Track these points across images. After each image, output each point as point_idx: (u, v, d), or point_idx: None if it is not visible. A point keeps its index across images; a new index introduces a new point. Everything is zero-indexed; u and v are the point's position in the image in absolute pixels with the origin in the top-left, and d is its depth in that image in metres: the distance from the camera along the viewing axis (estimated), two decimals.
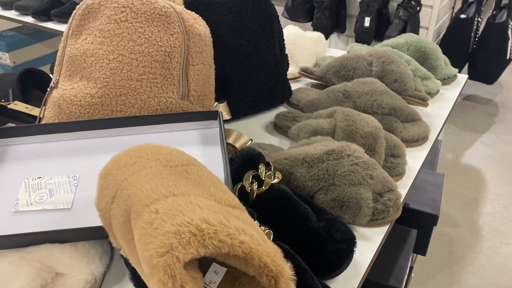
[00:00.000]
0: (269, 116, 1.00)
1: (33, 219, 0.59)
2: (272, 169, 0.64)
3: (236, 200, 0.51)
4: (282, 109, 1.03)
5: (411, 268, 1.27)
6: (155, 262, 0.41)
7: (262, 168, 0.63)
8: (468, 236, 1.89)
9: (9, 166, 0.66)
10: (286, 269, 0.44)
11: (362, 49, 1.22)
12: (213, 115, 0.72)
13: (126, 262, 0.57)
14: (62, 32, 2.32)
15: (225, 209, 0.48)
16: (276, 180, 0.62)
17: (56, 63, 0.77)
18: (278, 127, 0.93)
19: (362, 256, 0.63)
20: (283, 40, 1.02)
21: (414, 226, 1.06)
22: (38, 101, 0.96)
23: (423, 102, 0.99)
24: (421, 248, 1.18)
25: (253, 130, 0.94)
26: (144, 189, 0.47)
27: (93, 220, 0.58)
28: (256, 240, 0.44)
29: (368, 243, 0.66)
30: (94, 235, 0.58)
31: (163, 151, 0.55)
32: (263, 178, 0.62)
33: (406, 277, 0.97)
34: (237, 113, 0.95)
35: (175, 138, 0.71)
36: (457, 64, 2.18)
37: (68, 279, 0.56)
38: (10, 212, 0.60)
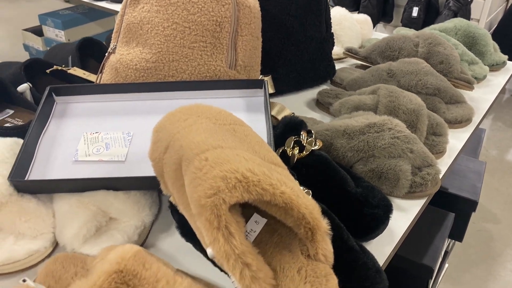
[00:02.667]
0: (312, 93, 1.01)
1: (90, 168, 0.64)
2: (313, 136, 0.66)
3: (278, 159, 0.54)
4: (325, 87, 1.05)
5: (447, 253, 1.27)
6: (203, 202, 0.44)
7: (304, 134, 0.65)
8: (508, 233, 1.84)
9: (70, 121, 0.72)
10: (323, 223, 0.47)
11: (409, 33, 1.21)
12: (258, 84, 0.75)
13: (173, 212, 0.61)
14: (115, 11, 2.41)
15: (268, 165, 0.51)
16: (317, 147, 0.65)
17: (114, 30, 0.82)
18: (320, 104, 0.95)
19: (397, 225, 0.65)
20: (330, 18, 1.03)
21: (452, 211, 1.06)
22: (94, 70, 1.02)
23: (469, 85, 0.98)
24: (458, 234, 1.17)
25: (295, 106, 0.97)
26: (195, 140, 0.51)
27: (144, 172, 0.63)
28: (296, 193, 0.46)
29: (404, 214, 0.67)
30: (145, 185, 0.62)
31: (212, 110, 0.58)
32: (304, 144, 0.65)
33: (440, 260, 0.97)
34: (281, 89, 0.97)
35: (221, 104, 0.74)
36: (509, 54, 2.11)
37: (120, 224, 0.61)
38: (70, 161, 0.65)
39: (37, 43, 2.75)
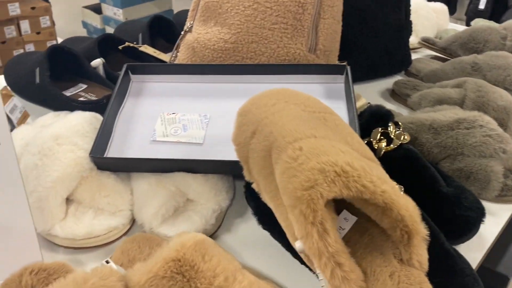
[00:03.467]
0: (386, 83, 0.97)
1: (167, 149, 0.63)
2: (401, 129, 0.62)
3: (371, 153, 0.50)
4: (399, 77, 0.99)
5: None
6: (299, 194, 0.42)
7: (392, 126, 0.62)
8: None
9: (145, 100, 0.71)
10: (422, 227, 0.43)
11: (494, 25, 1.13)
12: (339, 70, 0.72)
13: (249, 199, 0.60)
14: None
15: (363, 159, 0.48)
16: (405, 141, 0.61)
17: (191, 8, 0.80)
18: (396, 95, 0.90)
19: (488, 230, 0.60)
20: (410, 5, 0.97)
21: None
22: (161, 48, 1.01)
23: None
24: None
25: (369, 96, 0.92)
26: (287, 127, 0.48)
27: (222, 156, 0.61)
28: (397, 192, 0.43)
29: (494, 218, 0.62)
30: (224, 169, 0.60)
31: (300, 96, 0.55)
32: (392, 137, 0.61)
33: None
34: (355, 76, 0.92)
35: (299, 89, 0.71)
36: None
37: (197, 206, 0.59)
38: (148, 141, 0.64)
39: (95, 21, 2.81)
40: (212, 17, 0.75)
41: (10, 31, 2.49)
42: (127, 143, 0.64)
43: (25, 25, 2.54)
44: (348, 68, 0.70)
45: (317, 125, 0.50)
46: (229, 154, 0.62)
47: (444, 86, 0.83)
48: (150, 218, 0.57)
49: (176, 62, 0.79)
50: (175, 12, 2.69)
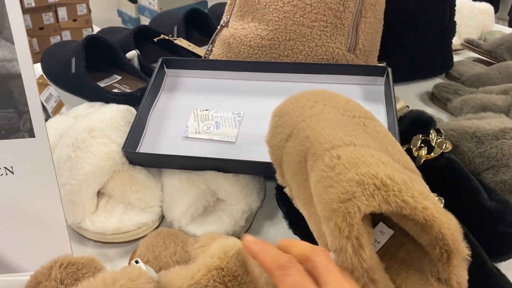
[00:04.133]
0: (425, 86, 0.93)
1: (199, 146, 0.62)
2: (443, 137, 0.59)
3: (413, 164, 0.48)
4: (439, 80, 0.95)
5: None
6: (335, 206, 0.40)
7: (433, 133, 0.59)
8: None
9: (179, 95, 0.70)
10: (463, 247, 0.40)
11: None
12: (380, 71, 0.69)
13: (280, 202, 0.58)
14: None
15: (404, 171, 0.45)
16: (447, 149, 0.58)
17: (228, 2, 0.78)
18: (436, 98, 0.87)
19: None
20: (455, 5, 0.93)
21: None
22: (196, 42, 1.00)
23: None
24: None
25: (407, 98, 0.89)
26: (324, 133, 0.46)
27: (255, 156, 0.60)
28: (438, 209, 0.41)
29: None
30: (255, 170, 0.59)
31: (340, 99, 0.53)
32: (433, 145, 0.58)
33: None
34: (392, 78, 0.90)
35: (337, 90, 0.69)
36: None
37: (227, 206, 0.58)
38: (180, 137, 0.64)
39: (130, 10, 2.84)
40: (249, 12, 0.74)
41: (48, 18, 2.54)
42: (159, 139, 0.63)
43: (62, 12, 2.59)
44: (389, 70, 0.67)
45: (357, 131, 0.48)
46: (262, 154, 0.60)
47: (489, 92, 0.79)
48: (180, 216, 0.56)
49: (211, 57, 0.78)
50: (209, 3, 2.68)
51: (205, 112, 0.66)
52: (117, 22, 3.07)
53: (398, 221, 0.42)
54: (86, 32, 2.62)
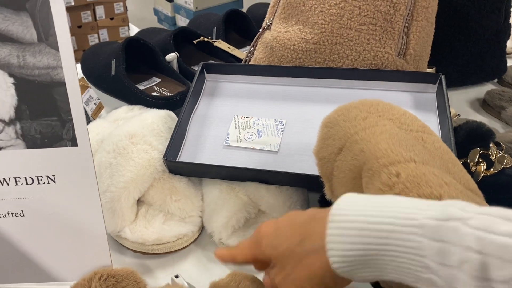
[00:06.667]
0: (476, 92, 0.88)
1: (241, 155, 0.60)
2: (503, 151, 0.55)
3: (474, 184, 0.44)
4: (491, 86, 0.90)
5: None
6: None
7: (493, 147, 0.54)
8: None
9: (219, 101, 0.69)
10: None
11: None
12: (432, 78, 0.65)
13: None
14: None
15: (467, 192, 0.42)
16: (508, 165, 0.54)
17: (271, 4, 0.76)
18: (488, 106, 0.82)
19: None
20: (510, 6, 0.87)
21: None
22: (235, 43, 0.98)
23: None
24: None
25: (457, 104, 0.84)
26: (382, 147, 0.43)
27: (298, 166, 0.57)
28: None
29: None
30: (300, 182, 0.57)
31: (395, 111, 0.50)
32: (493, 159, 0.54)
33: None
34: None
35: (386, 98, 0.65)
36: None
37: (269, 218, 0.56)
38: (221, 145, 0.62)
39: (166, 8, 2.85)
40: (293, 14, 0.71)
41: (86, 16, 2.58)
42: (199, 147, 0.62)
43: (100, 11, 2.62)
44: (443, 77, 0.63)
45: (416, 146, 0.45)
46: (306, 164, 0.58)
47: None
48: (220, 228, 0.54)
49: (252, 60, 0.75)
50: (245, 2, 2.66)
51: (246, 119, 0.64)
52: (153, 21, 3.09)
53: None
54: (122, 31, 2.65)
